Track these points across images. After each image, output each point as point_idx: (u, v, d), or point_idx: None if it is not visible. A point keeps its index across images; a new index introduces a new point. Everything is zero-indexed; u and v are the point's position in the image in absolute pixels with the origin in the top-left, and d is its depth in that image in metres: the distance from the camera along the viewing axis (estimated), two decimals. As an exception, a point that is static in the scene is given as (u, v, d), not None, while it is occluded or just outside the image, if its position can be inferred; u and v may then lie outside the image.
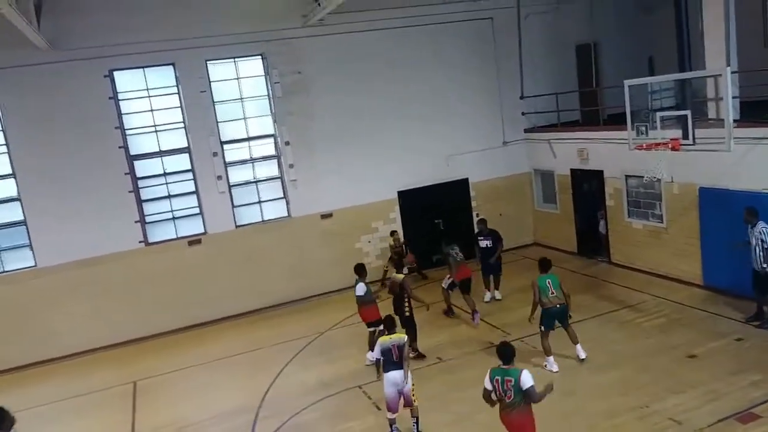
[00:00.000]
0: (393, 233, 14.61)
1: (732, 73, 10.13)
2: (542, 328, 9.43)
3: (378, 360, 7.91)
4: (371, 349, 9.61)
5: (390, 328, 8.11)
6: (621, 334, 10.39)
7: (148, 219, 13.71)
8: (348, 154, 14.90)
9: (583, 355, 9.50)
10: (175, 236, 13.93)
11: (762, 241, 9.56)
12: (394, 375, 7.75)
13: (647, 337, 10.13)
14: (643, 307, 11.39)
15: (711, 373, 8.63)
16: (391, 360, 7.78)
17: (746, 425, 7.32)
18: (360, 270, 10.50)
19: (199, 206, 14.09)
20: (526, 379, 6.20)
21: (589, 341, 9.90)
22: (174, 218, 13.97)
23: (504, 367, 6.37)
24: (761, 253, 9.59)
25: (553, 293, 9.31)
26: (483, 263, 12.85)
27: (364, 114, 14.96)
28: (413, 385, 7.95)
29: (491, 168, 16.25)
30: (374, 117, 15.04)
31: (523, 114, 16.31)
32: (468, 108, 15.89)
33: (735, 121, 10.04)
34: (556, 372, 9.25)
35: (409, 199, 15.57)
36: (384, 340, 7.87)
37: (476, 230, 13.31)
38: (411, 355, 8.70)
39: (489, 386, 6.42)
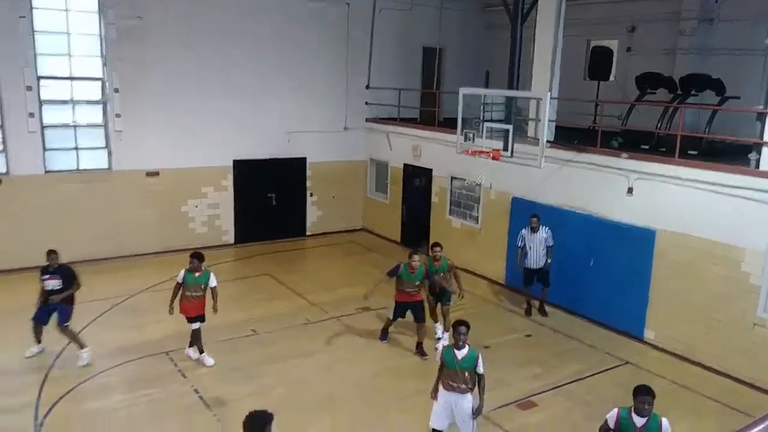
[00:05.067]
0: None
1: (552, 98, 11.28)
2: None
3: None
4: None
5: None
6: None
7: (-65, 148, 11.94)
8: (183, 113, 14.12)
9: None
10: (-32, 172, 12.29)
11: (546, 240, 11.08)
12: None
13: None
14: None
15: (500, 363, 9.50)
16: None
17: (525, 411, 8.21)
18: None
19: (3, 143, 12.52)
20: None
21: (399, 327, 10.49)
22: (-30, 152, 12.32)
23: None
24: (543, 252, 11.08)
25: None
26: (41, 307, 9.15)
27: (205, 74, 14.27)
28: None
29: (330, 151, 16.42)
30: (216, 79, 14.41)
31: (366, 104, 16.68)
32: (315, 88, 15.87)
33: (548, 142, 11.23)
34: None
35: (244, 169, 15.20)
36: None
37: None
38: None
39: None
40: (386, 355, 9.70)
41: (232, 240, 15.29)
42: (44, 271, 9.07)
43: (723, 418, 8.15)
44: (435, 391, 6.81)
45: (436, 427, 6.77)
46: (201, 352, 9.15)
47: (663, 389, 8.96)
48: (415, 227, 15.63)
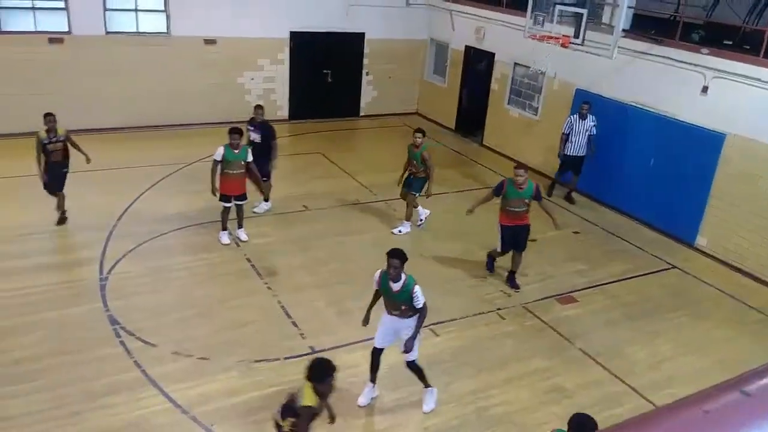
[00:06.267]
0: None
1: (635, -18, 10.41)
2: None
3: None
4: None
5: None
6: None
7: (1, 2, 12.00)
8: (243, -21, 13.72)
9: None
10: (33, 29, 12.40)
11: (591, 128, 11.06)
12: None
13: (495, 216, 10.72)
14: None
15: (546, 258, 9.60)
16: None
17: (564, 306, 8.34)
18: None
19: (65, 0, 12.52)
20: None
21: (447, 213, 10.58)
22: (33, 8, 12.36)
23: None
24: (586, 140, 11.10)
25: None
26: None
27: (267, -63, 13.68)
28: None
29: (390, 28, 15.80)
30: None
31: (431, -23, 15.79)
32: (378, -42, 15.05)
33: (624, 30, 10.51)
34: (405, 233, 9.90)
35: (301, 42, 14.87)
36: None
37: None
38: None
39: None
40: (434, 243, 9.83)
41: (286, 116, 15.33)
42: (250, 122, 9.83)
43: (763, 329, 8.12)
44: (366, 319, 6.12)
45: (378, 346, 6.10)
46: (240, 226, 9.21)
47: (707, 296, 8.98)
48: (471, 115, 15.26)
